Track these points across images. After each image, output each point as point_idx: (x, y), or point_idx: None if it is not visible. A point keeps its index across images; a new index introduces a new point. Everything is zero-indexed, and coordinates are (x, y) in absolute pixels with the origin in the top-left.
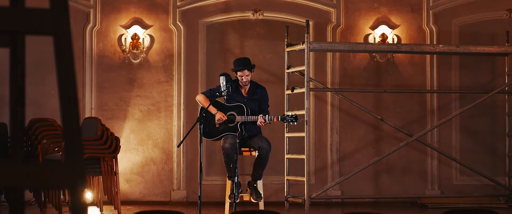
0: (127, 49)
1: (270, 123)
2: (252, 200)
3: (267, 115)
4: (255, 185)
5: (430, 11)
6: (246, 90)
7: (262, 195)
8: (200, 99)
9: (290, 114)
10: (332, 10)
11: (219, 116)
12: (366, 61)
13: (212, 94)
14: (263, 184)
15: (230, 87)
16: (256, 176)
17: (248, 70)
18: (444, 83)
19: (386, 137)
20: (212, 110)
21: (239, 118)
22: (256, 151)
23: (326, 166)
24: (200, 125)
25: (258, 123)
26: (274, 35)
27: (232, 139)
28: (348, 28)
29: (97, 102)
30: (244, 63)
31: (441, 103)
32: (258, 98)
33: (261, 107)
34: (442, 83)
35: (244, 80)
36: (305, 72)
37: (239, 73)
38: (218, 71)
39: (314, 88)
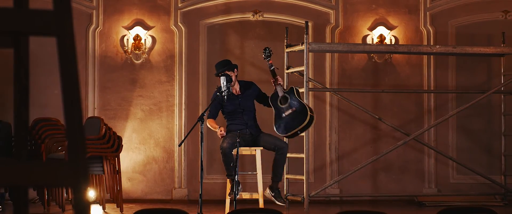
0: (129, 50)
1: (271, 68)
2: (279, 203)
3: (272, 72)
4: (278, 188)
5: (427, 13)
6: (237, 89)
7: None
8: (208, 125)
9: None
10: (330, 11)
11: (219, 131)
12: (364, 61)
13: (214, 110)
14: (263, 183)
15: (230, 87)
16: (279, 177)
17: (229, 71)
18: (441, 83)
19: (384, 136)
20: (215, 127)
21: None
22: (276, 151)
23: (325, 164)
24: (201, 124)
25: (279, 81)
26: (274, 36)
27: (231, 139)
28: (347, 29)
29: (99, 102)
30: (222, 65)
31: (438, 103)
32: (251, 94)
33: (260, 98)
34: (439, 84)
35: None
36: (305, 73)
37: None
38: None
39: (313, 89)
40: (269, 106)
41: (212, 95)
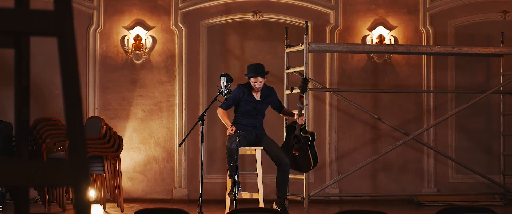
0: (129, 50)
1: (303, 106)
2: None
3: (298, 110)
4: (284, 204)
5: (427, 13)
6: (258, 94)
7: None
8: (220, 114)
9: (301, 84)
10: (330, 11)
11: (230, 129)
12: (364, 62)
13: (231, 104)
14: (263, 182)
15: (230, 87)
16: (284, 193)
17: (262, 77)
18: (440, 83)
19: (383, 136)
20: (227, 123)
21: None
22: (277, 165)
23: (324, 164)
24: (202, 124)
25: (301, 122)
26: (274, 36)
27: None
28: (346, 30)
29: (100, 102)
30: (257, 71)
31: (437, 103)
32: (269, 101)
33: (275, 104)
34: (438, 84)
35: (257, 86)
36: (304, 73)
37: (252, 79)
38: (219, 71)
39: (313, 89)
40: (279, 113)
41: (235, 90)
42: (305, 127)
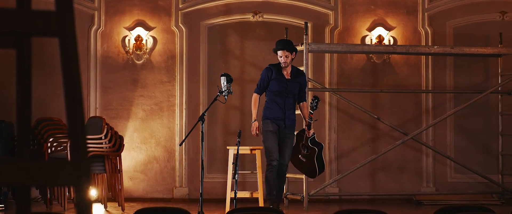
0: (130, 51)
1: (311, 121)
2: None
3: (307, 124)
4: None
5: (425, 13)
6: (288, 72)
7: None
8: (252, 101)
9: (311, 102)
10: (330, 12)
11: (254, 125)
12: (363, 62)
13: (263, 87)
14: (263, 182)
15: (230, 87)
16: (279, 199)
17: (288, 51)
18: (439, 83)
19: (382, 135)
20: (253, 116)
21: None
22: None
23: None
24: (202, 124)
25: (309, 135)
26: (274, 36)
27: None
28: (346, 30)
29: (101, 102)
30: (284, 44)
31: (436, 103)
32: (299, 82)
33: (301, 89)
34: (437, 84)
35: (283, 60)
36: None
37: (279, 53)
38: (219, 71)
39: (313, 88)
40: (298, 103)
41: (263, 71)
42: (313, 138)
